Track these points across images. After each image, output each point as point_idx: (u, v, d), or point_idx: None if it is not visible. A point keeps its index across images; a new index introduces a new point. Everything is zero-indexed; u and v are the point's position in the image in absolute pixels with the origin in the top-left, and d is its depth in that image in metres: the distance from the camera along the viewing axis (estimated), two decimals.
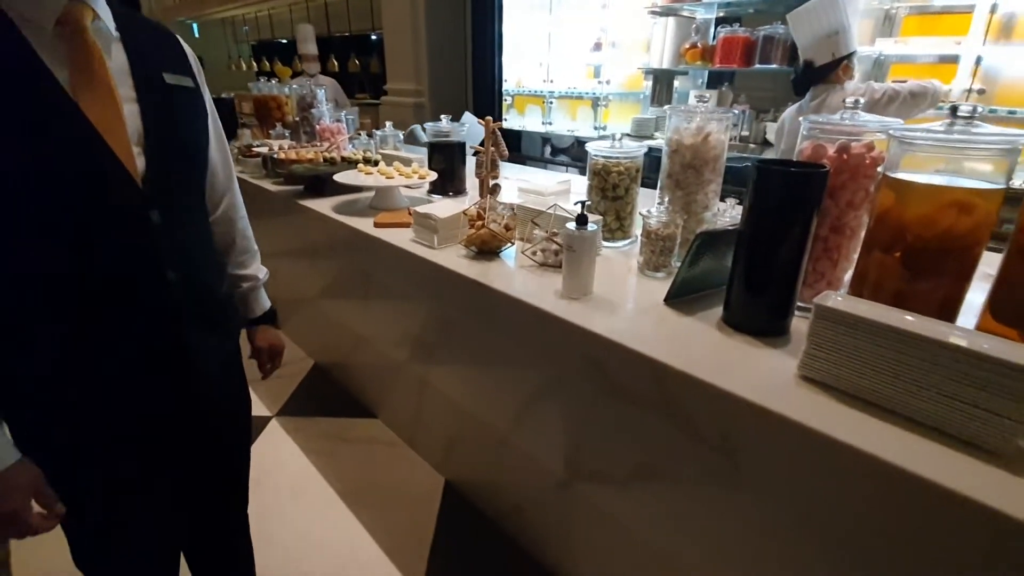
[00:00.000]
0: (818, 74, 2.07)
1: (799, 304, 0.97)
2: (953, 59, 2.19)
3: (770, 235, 0.89)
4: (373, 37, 6.31)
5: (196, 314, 0.90)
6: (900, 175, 0.78)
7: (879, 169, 0.91)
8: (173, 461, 0.98)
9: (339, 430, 2.23)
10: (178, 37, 0.90)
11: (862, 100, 0.91)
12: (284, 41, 7.97)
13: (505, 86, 4.46)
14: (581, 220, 1.05)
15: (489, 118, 1.60)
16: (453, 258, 1.33)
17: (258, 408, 2.37)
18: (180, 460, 1.01)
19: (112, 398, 0.85)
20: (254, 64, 8.05)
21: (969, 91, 2.16)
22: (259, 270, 1.17)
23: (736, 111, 1.23)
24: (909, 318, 0.68)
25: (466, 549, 1.68)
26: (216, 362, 0.97)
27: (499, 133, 1.63)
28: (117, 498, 0.92)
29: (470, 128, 2.19)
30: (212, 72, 9.01)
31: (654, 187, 1.44)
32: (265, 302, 1.20)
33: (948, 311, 0.78)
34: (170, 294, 0.84)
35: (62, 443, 0.84)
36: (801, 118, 0.97)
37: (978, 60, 2.14)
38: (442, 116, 1.91)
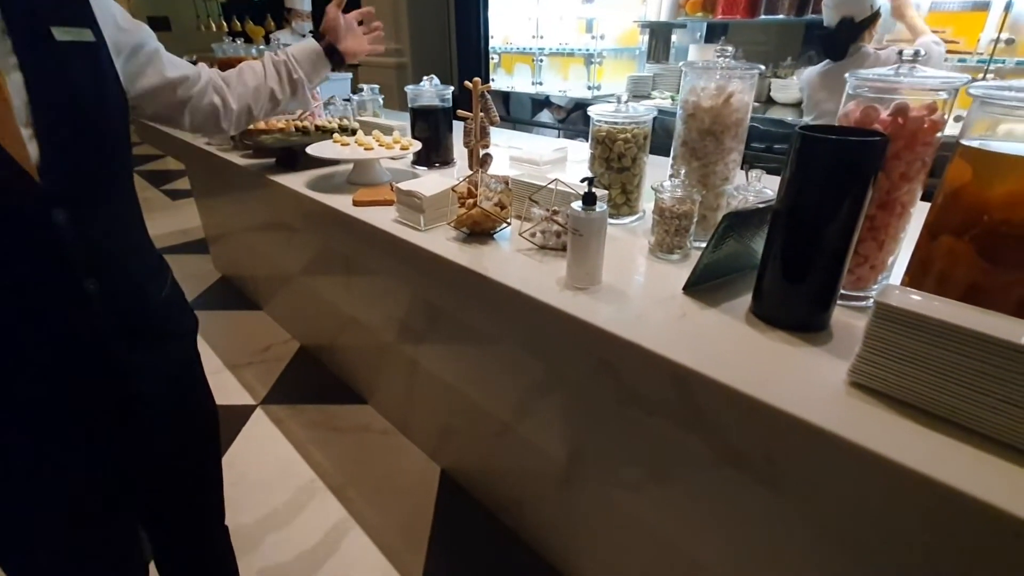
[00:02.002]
0: (858, 30, 1.86)
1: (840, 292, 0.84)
2: (983, 6, 2.01)
3: (814, 215, 0.75)
4: None
5: (128, 328, 0.76)
6: (981, 143, 0.65)
7: (938, 135, 0.78)
8: (128, 486, 0.88)
9: (328, 418, 2.13)
10: None
11: (923, 51, 0.77)
12: None
13: (492, 43, 4.19)
14: (589, 199, 0.91)
15: (477, 79, 1.42)
16: (442, 241, 1.18)
17: (242, 397, 2.25)
18: (136, 484, 0.91)
19: (40, 436, 0.73)
20: (224, 24, 7.58)
21: (996, 42, 1.99)
22: (278, 65, 1.16)
23: (761, 67, 1.07)
24: (1012, 326, 0.56)
25: (465, 544, 1.60)
26: (160, 379, 0.84)
27: (488, 96, 1.46)
28: (68, 532, 0.81)
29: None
30: (180, 34, 8.55)
31: (651, 152, 1.29)
32: (305, 45, 1.22)
33: None
34: (91, 308, 0.70)
35: None
36: (847, 75, 0.82)
37: (1008, 6, 1.96)
38: (424, 78, 1.72)
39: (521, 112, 4.09)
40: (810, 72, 2.05)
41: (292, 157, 1.74)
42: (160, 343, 0.84)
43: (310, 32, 3.81)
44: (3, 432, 0.70)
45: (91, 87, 0.69)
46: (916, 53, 0.77)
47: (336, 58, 1.27)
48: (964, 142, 0.67)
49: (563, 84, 3.97)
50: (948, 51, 2.02)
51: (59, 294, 0.67)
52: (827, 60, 2.00)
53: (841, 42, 1.90)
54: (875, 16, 1.82)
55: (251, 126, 1.75)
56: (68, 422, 0.75)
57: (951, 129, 0.74)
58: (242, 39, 2.58)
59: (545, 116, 3.92)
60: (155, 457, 0.91)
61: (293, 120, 1.85)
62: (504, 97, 4.14)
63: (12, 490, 0.74)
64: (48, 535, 0.79)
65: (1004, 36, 1.98)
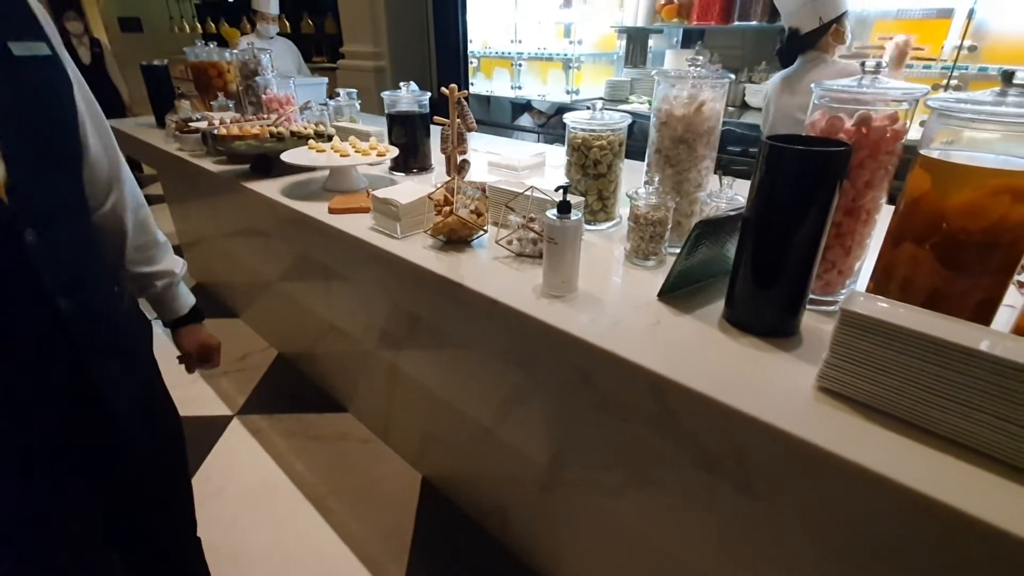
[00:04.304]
0: (805, 42, 1.91)
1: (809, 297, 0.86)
2: (947, 13, 2.06)
3: (782, 224, 0.76)
4: None
5: (98, 342, 0.75)
6: (939, 154, 0.67)
7: (900, 143, 0.80)
8: (96, 502, 0.86)
9: (307, 427, 2.10)
10: None
11: (884, 62, 0.79)
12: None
13: (471, 48, 4.18)
14: (563, 208, 0.91)
15: (454, 86, 1.42)
16: (418, 249, 1.18)
17: (217, 407, 2.21)
18: (105, 500, 0.89)
19: (15, 451, 0.71)
20: (198, 26, 7.45)
21: (959, 48, 2.05)
22: (173, 263, 1.00)
23: (732, 76, 1.09)
24: (969, 331, 0.57)
25: (447, 552, 1.60)
26: (129, 393, 0.83)
27: (465, 103, 1.46)
28: (35, 552, 0.79)
29: None
30: (152, 36, 8.33)
31: (630, 156, 1.31)
32: (186, 298, 1.05)
33: (985, 312, 0.68)
34: (65, 326, 0.69)
35: None
36: (813, 84, 0.84)
37: (971, 13, 2.01)
38: (401, 84, 1.71)
39: (501, 116, 4.10)
40: (775, 77, 2.10)
41: (266, 163, 1.71)
42: (126, 358, 0.83)
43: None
44: None
45: (52, 101, 0.69)
46: (878, 65, 0.79)
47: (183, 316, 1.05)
48: (923, 152, 0.69)
49: (542, 88, 3.99)
50: (913, 57, 2.08)
51: (33, 313, 0.66)
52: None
53: (790, 52, 1.97)
54: (824, 29, 1.87)
55: (223, 132, 1.73)
56: (45, 443, 0.73)
57: (915, 132, 0.76)
58: (215, 42, 2.53)
59: (525, 120, 3.93)
60: (125, 472, 0.89)
61: (268, 126, 1.83)
62: (484, 101, 4.14)
63: None
64: (15, 556, 0.77)
65: (967, 43, 2.04)
